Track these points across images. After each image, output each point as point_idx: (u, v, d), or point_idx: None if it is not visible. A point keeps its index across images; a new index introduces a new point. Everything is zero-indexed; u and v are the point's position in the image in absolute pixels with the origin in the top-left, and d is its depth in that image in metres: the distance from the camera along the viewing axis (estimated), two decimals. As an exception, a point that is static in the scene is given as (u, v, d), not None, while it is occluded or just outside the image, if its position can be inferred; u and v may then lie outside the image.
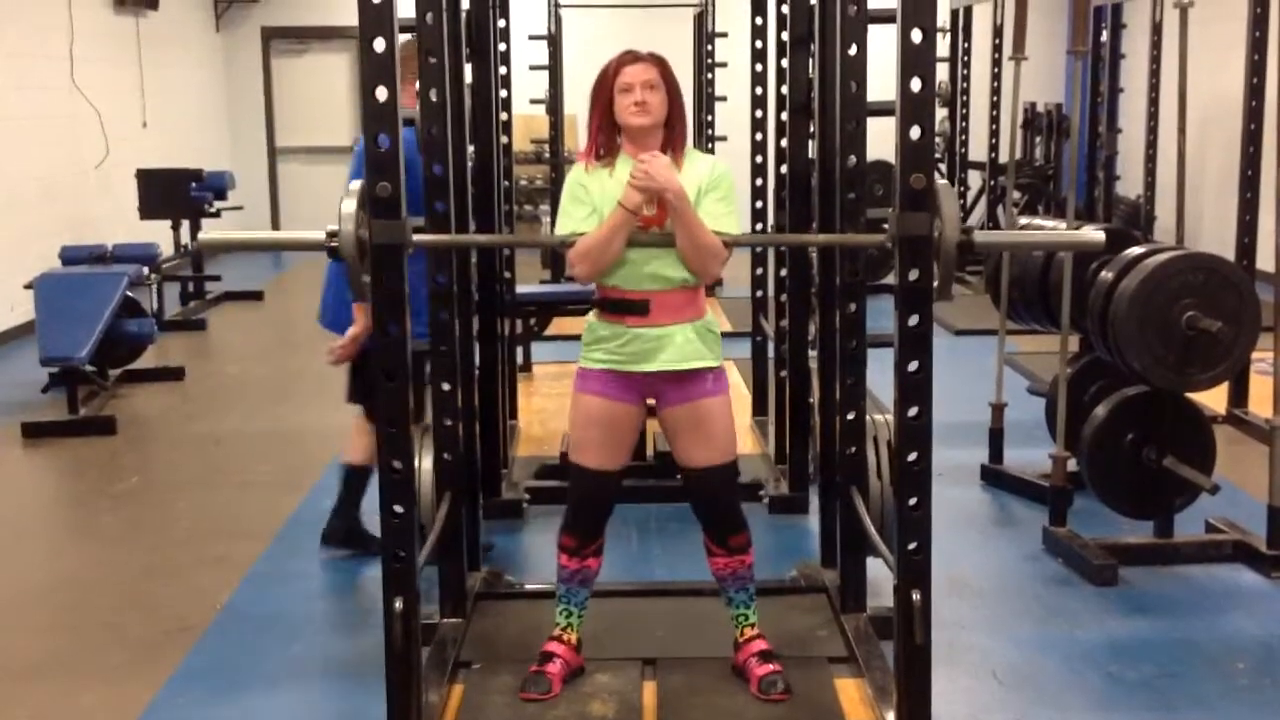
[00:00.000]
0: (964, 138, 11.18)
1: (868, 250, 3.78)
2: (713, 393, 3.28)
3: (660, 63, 3.24)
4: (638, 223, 3.15)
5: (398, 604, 2.89)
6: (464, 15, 4.25)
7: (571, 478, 3.39)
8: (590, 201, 3.21)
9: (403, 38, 3.80)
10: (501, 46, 5.92)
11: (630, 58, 3.23)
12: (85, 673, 3.71)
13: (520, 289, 6.31)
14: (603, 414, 3.28)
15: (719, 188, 3.22)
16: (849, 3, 3.58)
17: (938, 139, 10.58)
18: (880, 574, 3.51)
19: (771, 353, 5.82)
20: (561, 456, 4.88)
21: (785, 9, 4.77)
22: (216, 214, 10.27)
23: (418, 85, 3.74)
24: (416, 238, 2.94)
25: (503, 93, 5.98)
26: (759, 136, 5.69)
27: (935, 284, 2.80)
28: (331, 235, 2.76)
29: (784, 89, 4.86)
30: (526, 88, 9.07)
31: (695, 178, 3.20)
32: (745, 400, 6.20)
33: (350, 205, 2.76)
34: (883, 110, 3.28)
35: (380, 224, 2.77)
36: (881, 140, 3.38)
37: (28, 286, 6.94)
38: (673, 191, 3.09)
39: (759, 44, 5.69)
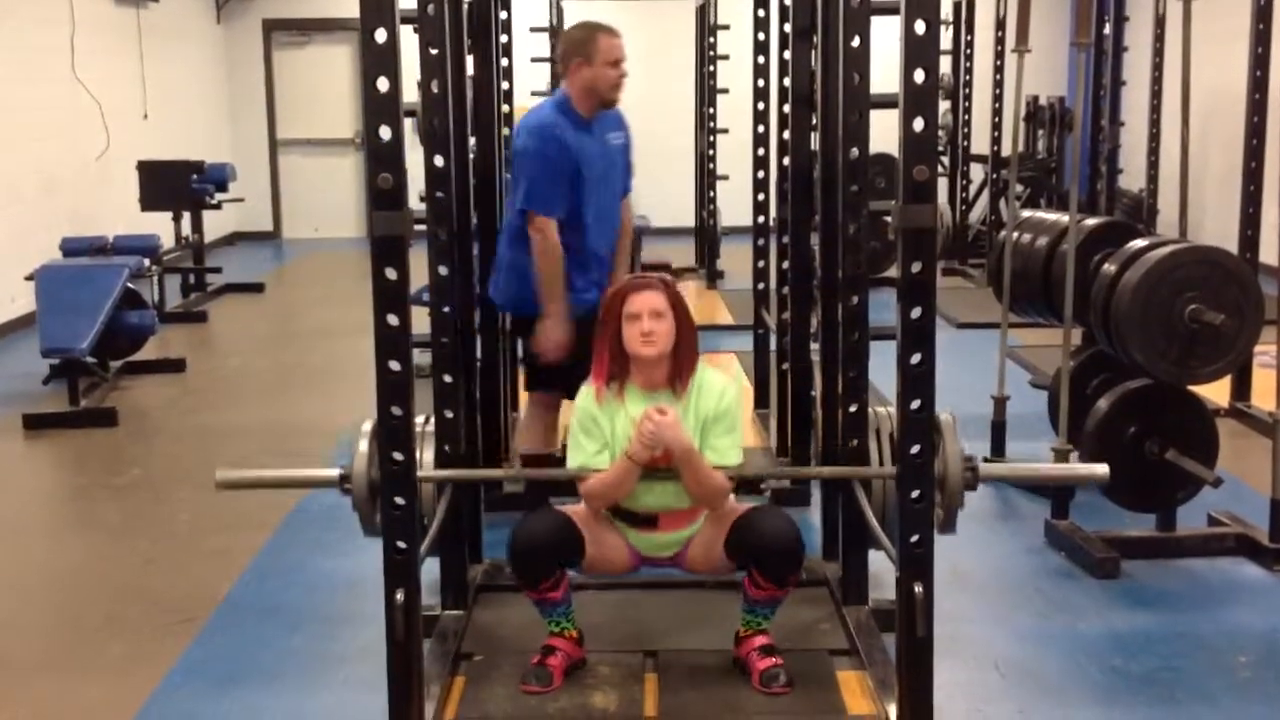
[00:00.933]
0: (966, 130, 11.17)
1: (870, 243, 3.78)
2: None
3: (668, 289, 3.28)
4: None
5: (399, 596, 2.89)
6: (465, 7, 4.24)
7: (526, 515, 3.38)
8: (602, 437, 3.28)
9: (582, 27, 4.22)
10: (503, 38, 5.90)
11: (638, 284, 3.28)
12: (86, 664, 3.71)
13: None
14: (599, 526, 3.35)
15: (726, 417, 3.28)
16: (851, -6, 3.57)
17: (940, 132, 10.58)
18: (882, 567, 3.51)
19: (773, 345, 5.80)
20: (562, 448, 4.87)
21: (788, 1, 4.75)
22: (218, 206, 10.27)
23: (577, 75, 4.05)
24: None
25: (504, 85, 5.97)
26: (761, 129, 5.68)
27: (940, 518, 2.94)
28: (344, 476, 2.97)
29: (786, 81, 4.84)
30: (528, 80, 9.05)
31: (705, 407, 3.28)
32: (748, 393, 6.18)
33: (364, 444, 2.96)
34: (885, 103, 3.26)
35: (382, 216, 2.77)
36: (884, 133, 3.37)
37: (29, 278, 6.94)
38: (680, 448, 3.15)
39: (761, 36, 5.68)
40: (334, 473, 3.01)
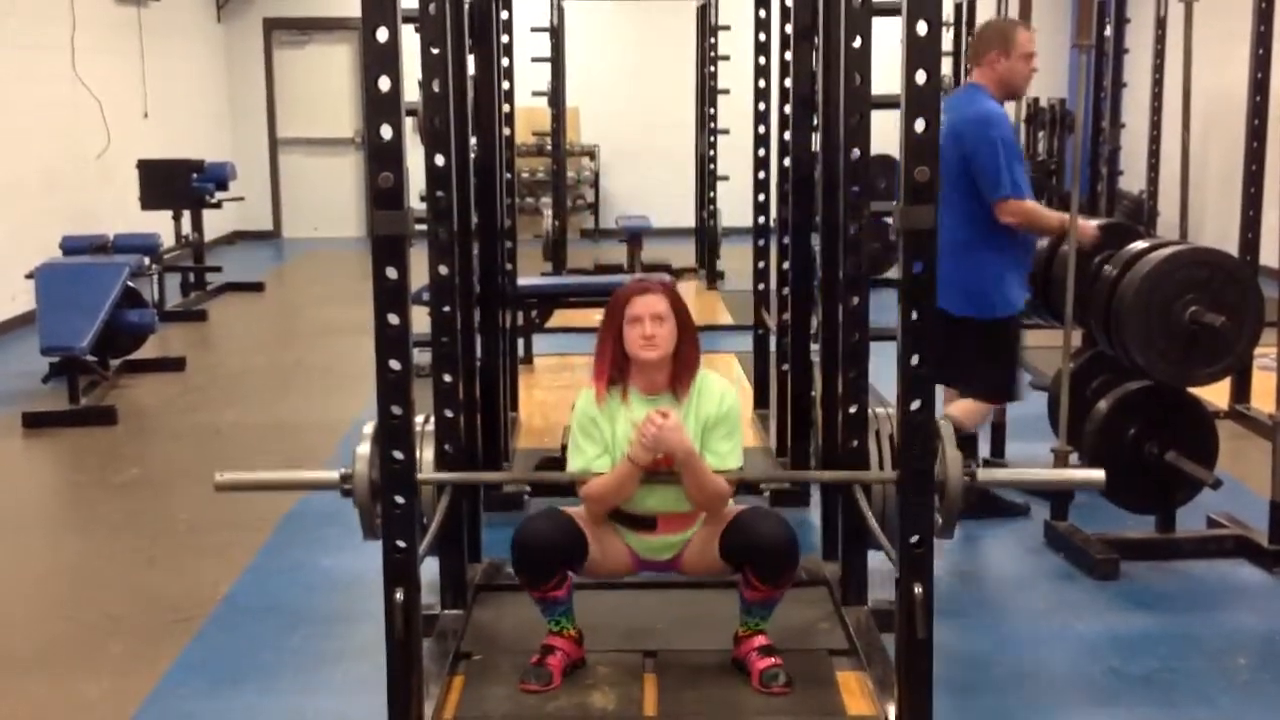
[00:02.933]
0: (967, 132, 11.15)
1: (870, 244, 3.78)
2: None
3: (670, 293, 3.29)
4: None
5: (398, 595, 2.89)
6: (466, 6, 4.24)
7: (532, 515, 3.39)
8: (603, 440, 3.27)
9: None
10: (504, 38, 5.91)
11: (640, 287, 3.28)
12: (85, 663, 3.71)
13: (521, 281, 6.32)
14: (602, 528, 3.35)
15: (726, 421, 3.29)
16: (853, -5, 3.57)
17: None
18: (881, 567, 3.50)
19: (773, 346, 5.80)
20: (562, 449, 4.87)
21: (789, 1, 4.75)
22: (218, 205, 10.27)
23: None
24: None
25: (505, 84, 5.98)
26: (762, 129, 5.68)
27: (939, 524, 2.93)
28: (345, 477, 2.98)
29: (787, 82, 4.84)
30: (529, 80, 9.06)
31: (704, 411, 3.28)
32: (747, 393, 6.19)
33: (365, 447, 2.96)
34: (887, 103, 3.27)
35: (383, 215, 2.77)
36: (885, 134, 3.37)
37: (29, 276, 6.95)
38: (682, 452, 3.15)
39: (762, 37, 5.68)
40: (334, 474, 3.01)
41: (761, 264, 6.03)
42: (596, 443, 3.28)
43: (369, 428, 2.96)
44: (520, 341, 6.77)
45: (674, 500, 3.28)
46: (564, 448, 4.18)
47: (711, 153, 10.05)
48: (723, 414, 3.29)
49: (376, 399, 2.84)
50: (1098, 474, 3.17)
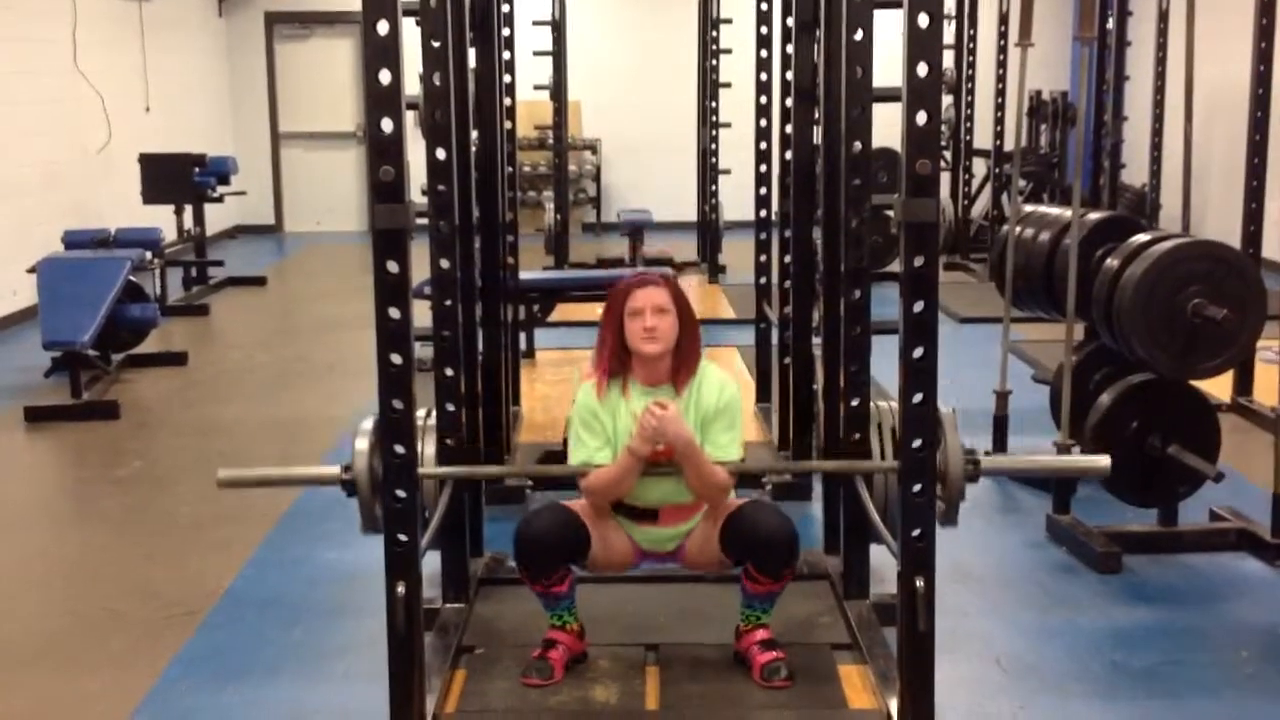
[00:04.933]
0: (969, 125, 11.16)
1: (872, 238, 3.77)
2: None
3: (671, 285, 3.30)
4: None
5: (400, 589, 2.89)
6: (467, 0, 4.23)
7: (535, 510, 3.41)
8: (604, 432, 3.28)
9: None
10: (505, 31, 5.90)
11: (641, 280, 3.29)
12: (87, 657, 3.71)
13: (523, 275, 6.31)
14: (602, 521, 3.35)
15: (726, 413, 3.29)
16: (855, -13, 3.56)
17: (943, 126, 10.57)
18: (883, 561, 3.50)
19: (775, 339, 5.80)
20: (563, 443, 4.87)
21: (790, -6, 4.75)
22: (219, 199, 10.27)
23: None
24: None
25: (506, 78, 5.97)
26: (763, 123, 5.67)
27: (942, 509, 2.93)
28: (346, 469, 2.96)
29: (789, 75, 4.83)
30: (530, 73, 9.05)
31: (705, 403, 3.28)
32: (749, 387, 6.18)
33: (364, 442, 2.96)
34: (888, 96, 3.26)
35: (384, 209, 2.77)
36: (886, 127, 3.36)
37: (30, 270, 6.95)
38: (682, 443, 3.15)
39: (763, 30, 5.67)
40: (335, 470, 3.01)
41: (763, 257, 6.02)
42: (597, 435, 3.29)
43: (368, 423, 2.96)
44: (522, 335, 6.77)
45: (675, 492, 3.28)
46: (566, 441, 4.18)
47: (713, 146, 10.04)
48: (723, 405, 3.29)
49: (378, 393, 2.84)
50: (1102, 460, 3.16)
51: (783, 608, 3.40)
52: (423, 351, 3.45)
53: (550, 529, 3.27)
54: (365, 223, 13.19)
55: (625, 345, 3.28)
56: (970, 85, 11.06)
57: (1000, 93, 10.59)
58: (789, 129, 4.84)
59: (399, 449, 2.87)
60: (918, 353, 2.81)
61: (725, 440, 3.28)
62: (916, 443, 2.86)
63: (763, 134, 5.68)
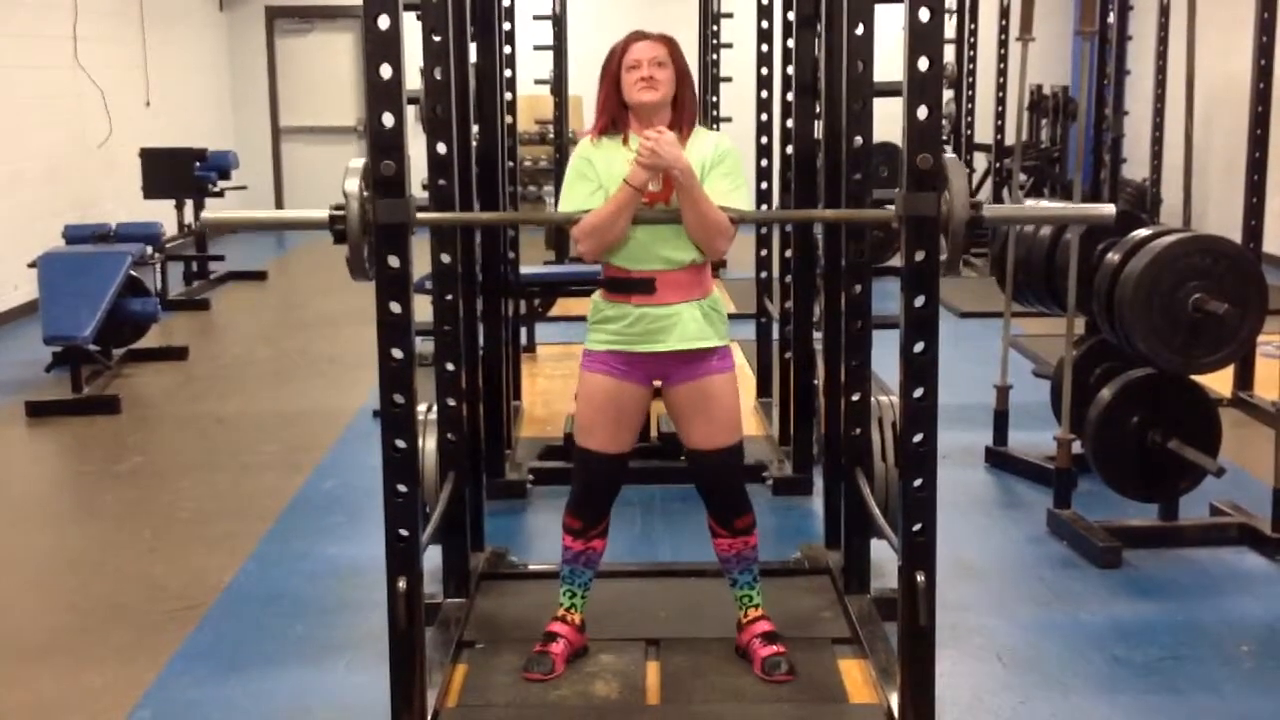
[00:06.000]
0: (970, 119, 11.15)
1: (873, 232, 3.77)
2: (718, 370, 3.28)
3: (669, 42, 3.23)
4: (643, 200, 3.13)
5: (401, 584, 2.89)
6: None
7: (577, 461, 3.38)
8: (596, 178, 3.20)
9: None
10: (506, 26, 5.90)
11: (638, 35, 3.22)
12: (88, 652, 3.71)
13: (524, 270, 6.31)
14: (609, 394, 3.27)
15: (724, 163, 3.20)
16: (856, -18, 3.56)
17: (943, 120, 10.55)
18: (884, 555, 3.51)
19: (776, 334, 5.80)
20: (566, 438, 4.88)
21: (791, -12, 4.74)
22: (220, 193, 10.26)
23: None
24: (421, 215, 2.93)
25: (507, 73, 5.96)
26: (764, 117, 5.67)
27: (944, 258, 2.79)
28: (337, 210, 2.73)
29: (790, 69, 4.83)
30: (531, 68, 9.03)
31: (700, 154, 3.19)
32: (750, 382, 6.19)
33: (353, 183, 2.73)
34: (889, 90, 3.26)
35: (385, 203, 2.76)
36: (887, 122, 3.36)
37: (31, 265, 6.94)
38: (679, 168, 3.06)
39: (764, 24, 5.66)
40: (324, 213, 2.77)
41: (764, 251, 6.02)
42: (590, 181, 3.21)
43: (357, 162, 2.77)
44: (523, 330, 6.77)
45: (673, 245, 3.18)
46: (568, 436, 4.18)
47: (714, 140, 10.01)
48: (720, 155, 3.21)
49: (379, 387, 2.84)
50: (1106, 208, 2.97)
51: (784, 602, 3.41)
52: (423, 346, 3.45)
53: (599, 472, 3.32)
54: (366, 217, 13.17)
55: (622, 101, 3.21)
56: (971, 80, 11.06)
57: (1001, 87, 10.59)
58: (790, 123, 4.84)
59: (400, 443, 2.87)
60: (919, 347, 2.82)
61: (726, 187, 3.18)
62: (917, 437, 2.86)
63: (764, 128, 5.68)
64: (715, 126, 9.89)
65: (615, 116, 3.24)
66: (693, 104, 3.26)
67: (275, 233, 13.71)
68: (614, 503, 3.40)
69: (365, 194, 2.75)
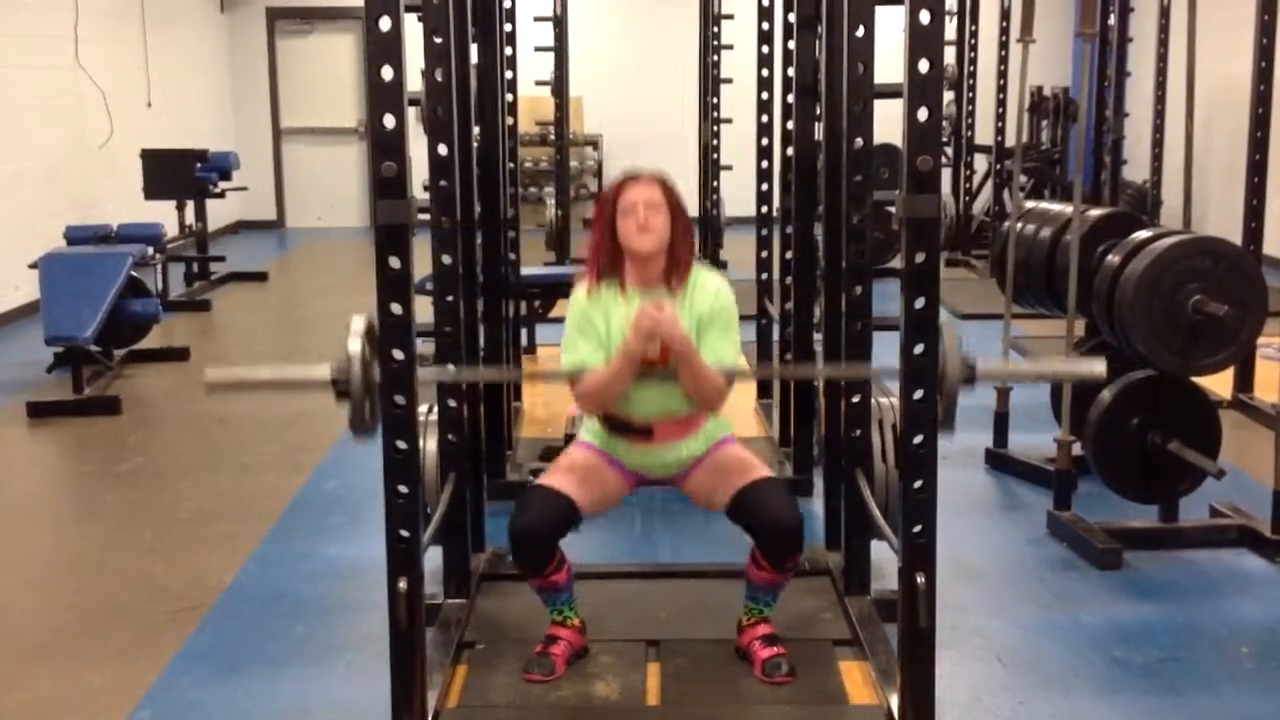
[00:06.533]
0: (970, 121, 11.16)
1: (873, 233, 3.78)
2: (722, 445, 3.32)
3: (663, 183, 3.21)
4: (642, 362, 3.15)
5: (401, 584, 2.89)
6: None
7: (516, 505, 3.29)
8: (597, 334, 3.21)
9: None
10: (507, 27, 5.91)
11: (632, 177, 3.21)
12: (89, 652, 3.72)
13: (525, 271, 6.31)
14: (591, 466, 3.30)
15: (722, 317, 3.22)
16: (857, -16, 3.56)
17: (944, 122, 10.56)
18: (884, 557, 3.51)
19: (776, 335, 5.80)
20: (566, 439, 4.87)
21: (792, -10, 4.75)
22: (221, 195, 10.26)
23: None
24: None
25: (508, 74, 5.97)
26: (764, 119, 5.67)
27: (939, 414, 2.82)
28: (338, 372, 2.74)
29: (790, 71, 4.83)
30: (532, 69, 9.04)
31: (699, 307, 3.21)
32: (750, 383, 6.18)
33: (356, 344, 2.74)
34: (890, 92, 3.26)
35: (386, 204, 2.77)
36: (888, 123, 3.36)
37: (32, 266, 6.94)
38: (678, 342, 3.08)
39: (765, 25, 5.67)
40: (325, 372, 2.79)
41: (764, 253, 6.02)
42: (590, 338, 3.21)
43: (358, 322, 2.78)
44: (523, 331, 6.78)
45: (670, 400, 3.21)
46: (568, 438, 4.19)
47: (714, 142, 9.99)
48: (718, 309, 3.22)
49: (380, 389, 2.83)
50: (1098, 365, 2.92)
51: (784, 603, 3.40)
52: (424, 347, 3.45)
53: (541, 516, 3.20)
54: (367, 218, 13.20)
55: (617, 246, 3.20)
56: (972, 81, 11.06)
57: (1001, 89, 10.59)
58: (790, 125, 4.84)
59: (400, 444, 2.87)
60: (918, 349, 2.82)
61: (721, 345, 3.19)
62: (917, 438, 2.86)
63: (764, 130, 5.68)
64: (716, 130, 9.91)
65: (611, 260, 3.23)
66: (689, 246, 3.25)
67: (276, 234, 13.73)
68: (557, 545, 3.26)
69: (367, 355, 2.75)
